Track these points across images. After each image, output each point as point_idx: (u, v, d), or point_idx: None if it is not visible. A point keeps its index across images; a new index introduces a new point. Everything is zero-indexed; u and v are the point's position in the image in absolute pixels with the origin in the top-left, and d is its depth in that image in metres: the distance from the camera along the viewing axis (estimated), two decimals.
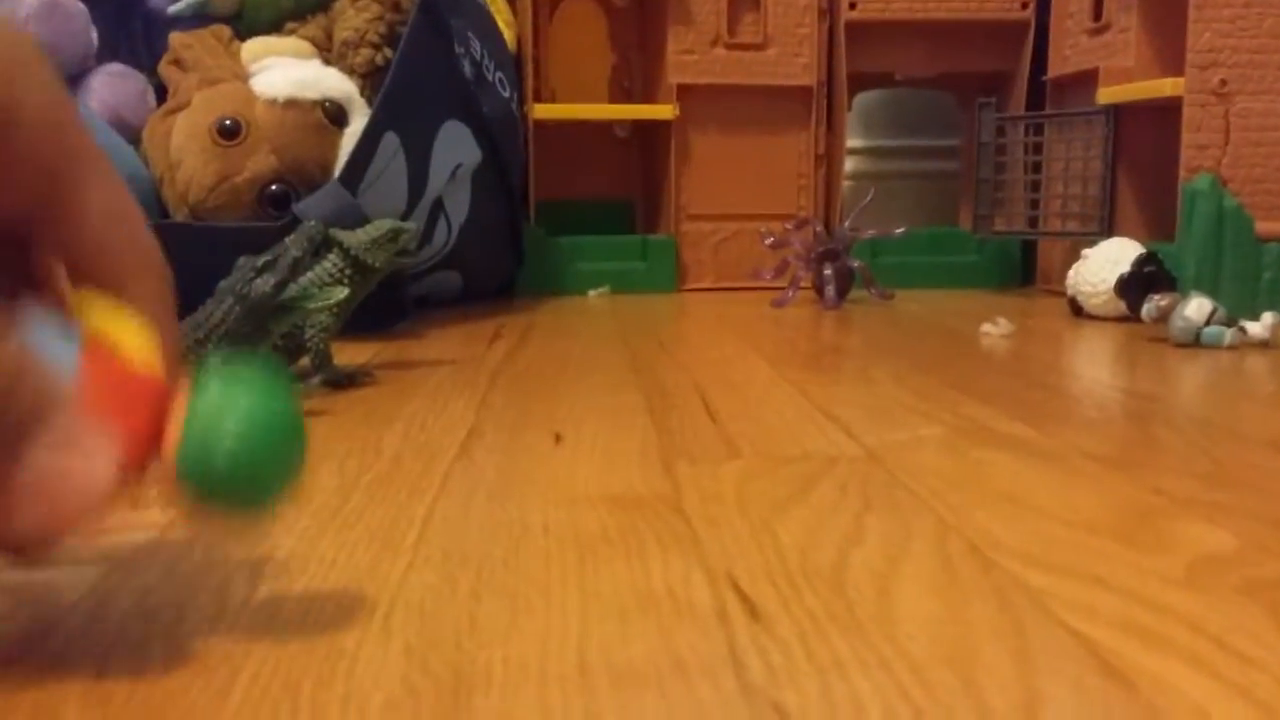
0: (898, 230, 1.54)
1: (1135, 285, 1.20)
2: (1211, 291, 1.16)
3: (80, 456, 0.26)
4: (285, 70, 1.20)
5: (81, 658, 0.34)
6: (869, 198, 1.53)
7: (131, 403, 0.30)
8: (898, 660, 0.33)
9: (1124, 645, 0.34)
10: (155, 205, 1.23)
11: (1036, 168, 1.60)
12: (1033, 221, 1.62)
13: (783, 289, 1.47)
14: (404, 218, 1.16)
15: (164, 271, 0.31)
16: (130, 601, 0.38)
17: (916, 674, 0.32)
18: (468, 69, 1.26)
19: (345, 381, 0.82)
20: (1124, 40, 1.44)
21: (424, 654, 0.33)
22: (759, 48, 1.68)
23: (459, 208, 1.30)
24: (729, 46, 1.67)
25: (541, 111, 1.64)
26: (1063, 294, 1.37)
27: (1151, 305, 1.08)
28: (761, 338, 1.14)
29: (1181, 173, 1.30)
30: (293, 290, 0.75)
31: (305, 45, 1.27)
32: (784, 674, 0.32)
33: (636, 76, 1.80)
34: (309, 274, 0.81)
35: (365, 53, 1.23)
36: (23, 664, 0.33)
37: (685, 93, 1.66)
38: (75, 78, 1.30)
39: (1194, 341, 1.05)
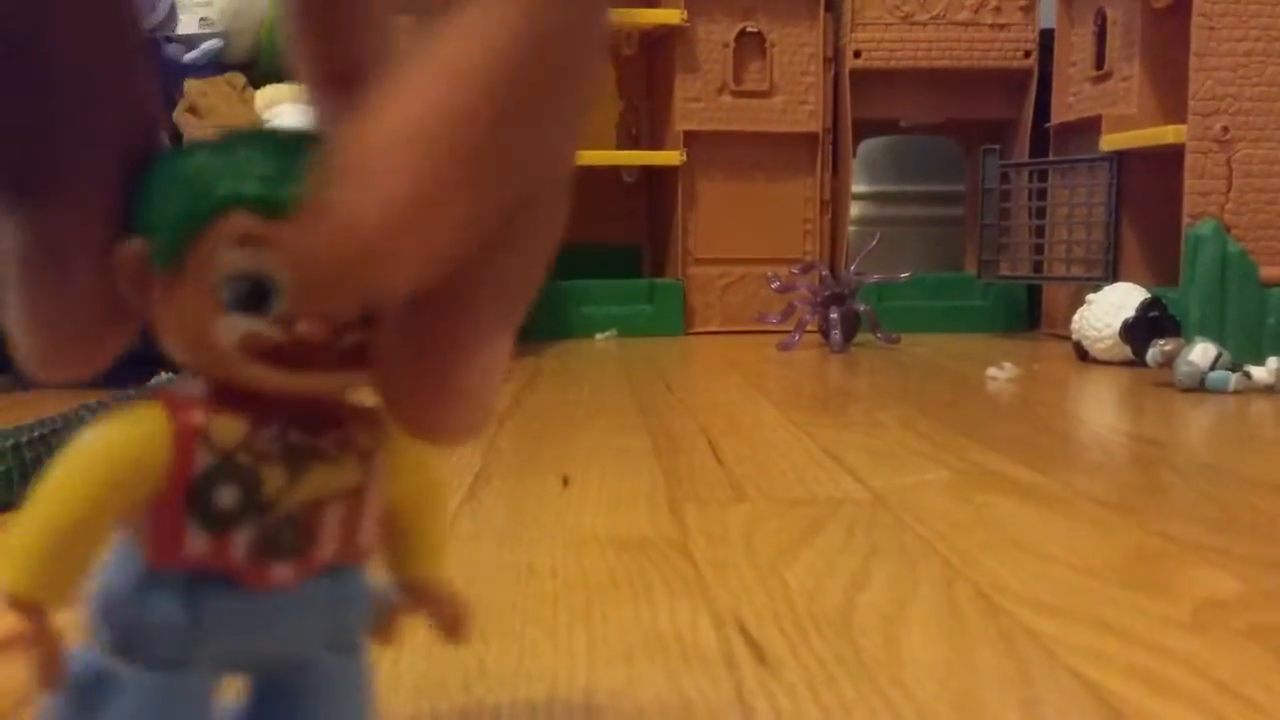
0: (903, 275, 1.55)
1: (1140, 330, 1.20)
2: (1216, 336, 1.16)
3: None
4: (298, 116, 1.21)
5: None
6: (874, 242, 1.54)
7: None
8: (905, 705, 0.33)
9: (1130, 690, 0.34)
10: None
11: (1041, 213, 1.61)
12: (1037, 266, 1.63)
13: (789, 333, 1.47)
14: None
15: None
16: None
17: (923, 718, 0.32)
18: None
19: None
20: (1126, 88, 1.45)
21: (433, 696, 0.33)
22: (765, 95, 1.70)
23: None
24: (735, 94, 1.69)
25: None
26: (1068, 338, 1.37)
27: (1156, 350, 1.09)
28: (768, 381, 1.14)
29: (1185, 218, 1.31)
30: None
31: None
32: (791, 717, 0.32)
33: (644, 123, 1.82)
34: None
35: None
36: (35, 707, 0.33)
37: (692, 139, 1.68)
38: None
39: (1199, 386, 1.05)
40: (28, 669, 0.16)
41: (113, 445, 0.16)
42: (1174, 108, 1.37)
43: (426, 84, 0.12)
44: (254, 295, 0.15)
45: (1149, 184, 1.46)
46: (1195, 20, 1.29)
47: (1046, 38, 1.68)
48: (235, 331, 0.15)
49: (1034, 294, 1.77)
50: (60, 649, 0.16)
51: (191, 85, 1.28)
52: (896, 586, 0.44)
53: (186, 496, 0.15)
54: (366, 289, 0.13)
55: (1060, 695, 0.34)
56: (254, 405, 0.16)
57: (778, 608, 0.42)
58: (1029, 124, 1.72)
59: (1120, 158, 1.46)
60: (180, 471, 0.15)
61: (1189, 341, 1.08)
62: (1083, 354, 1.32)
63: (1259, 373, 1.06)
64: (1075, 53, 1.60)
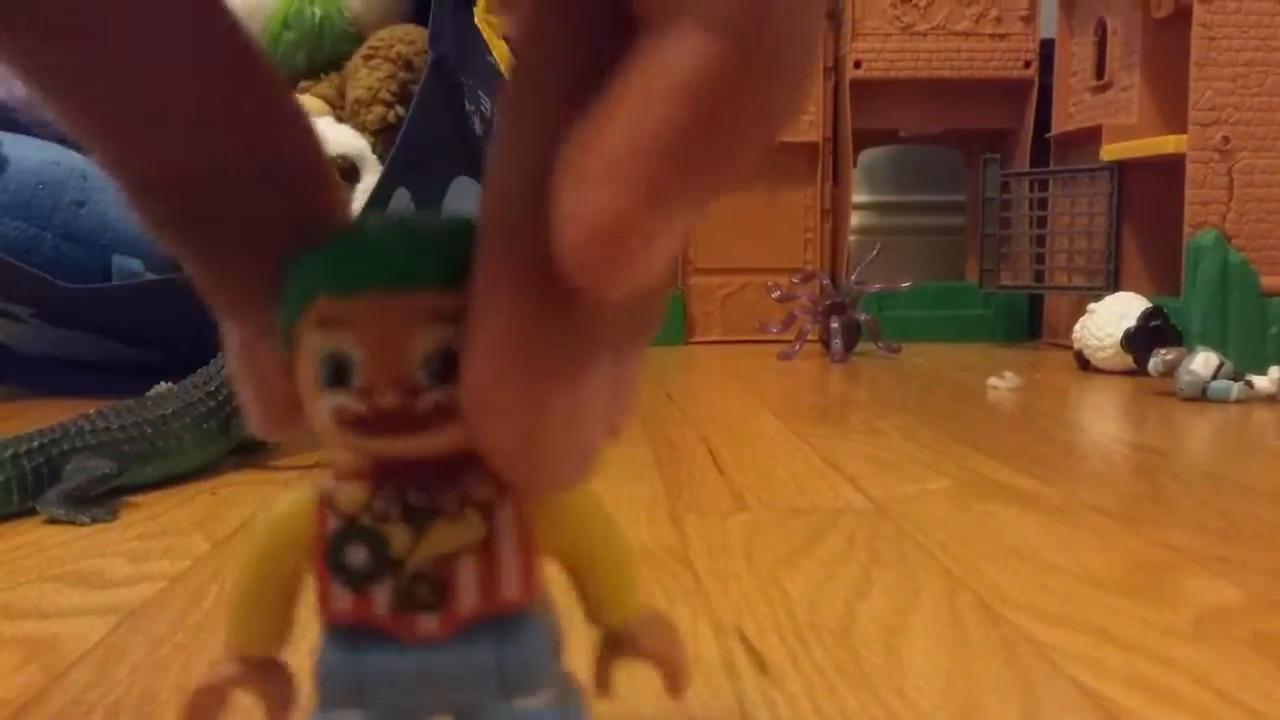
0: (904, 284, 1.55)
1: (1141, 339, 1.20)
2: (1218, 346, 1.16)
3: None
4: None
5: (91, 709, 0.34)
6: (875, 252, 1.54)
7: None
8: (906, 714, 0.33)
9: (1132, 700, 0.34)
10: (168, 259, 1.24)
11: (1041, 223, 1.61)
12: (1039, 276, 1.63)
13: (789, 342, 1.47)
14: None
15: None
16: (140, 653, 0.39)
17: None
18: (478, 126, 1.28)
19: None
20: (1127, 98, 1.46)
21: None
22: None
23: None
24: None
25: None
26: (1069, 348, 1.37)
27: (1158, 359, 1.09)
28: (768, 391, 1.14)
29: (1186, 228, 1.31)
30: None
31: (318, 103, 1.29)
32: None
33: None
34: None
35: (377, 110, 1.24)
36: (33, 715, 0.33)
37: None
38: None
39: (1201, 395, 1.05)
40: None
41: (271, 517, 0.18)
42: (1174, 117, 1.37)
43: (653, 100, 0.13)
44: (338, 372, 0.16)
45: (1150, 194, 1.46)
46: (1195, 30, 1.29)
47: (1047, 48, 1.69)
48: (328, 406, 0.16)
49: (1035, 303, 1.77)
50: (276, 690, 0.19)
51: None
52: (897, 596, 0.44)
53: (325, 558, 0.17)
54: (610, 279, 0.14)
55: (1062, 704, 0.33)
56: (374, 471, 0.17)
57: (778, 617, 0.42)
58: (1030, 134, 1.72)
59: (1121, 167, 1.46)
60: (319, 537, 0.17)
61: (1191, 351, 1.08)
62: (1084, 363, 1.32)
63: (1261, 382, 1.06)
64: (1076, 63, 1.60)
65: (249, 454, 0.75)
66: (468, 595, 0.17)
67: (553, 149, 0.15)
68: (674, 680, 0.19)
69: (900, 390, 1.19)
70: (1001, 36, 1.72)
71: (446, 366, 0.16)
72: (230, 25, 0.16)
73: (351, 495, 0.17)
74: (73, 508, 0.59)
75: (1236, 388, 1.04)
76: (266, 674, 0.19)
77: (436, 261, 0.16)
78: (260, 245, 0.17)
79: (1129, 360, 1.23)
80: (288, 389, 0.17)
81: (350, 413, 0.16)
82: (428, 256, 0.16)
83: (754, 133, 0.14)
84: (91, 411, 0.66)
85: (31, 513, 0.60)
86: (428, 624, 0.17)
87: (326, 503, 0.17)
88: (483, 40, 1.38)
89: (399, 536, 0.17)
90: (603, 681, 0.19)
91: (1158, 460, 0.78)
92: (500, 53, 1.53)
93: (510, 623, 0.18)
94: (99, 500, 0.61)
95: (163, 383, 0.73)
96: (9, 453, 0.60)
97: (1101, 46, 1.52)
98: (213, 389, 0.71)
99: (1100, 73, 1.52)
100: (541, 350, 0.15)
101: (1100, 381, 1.24)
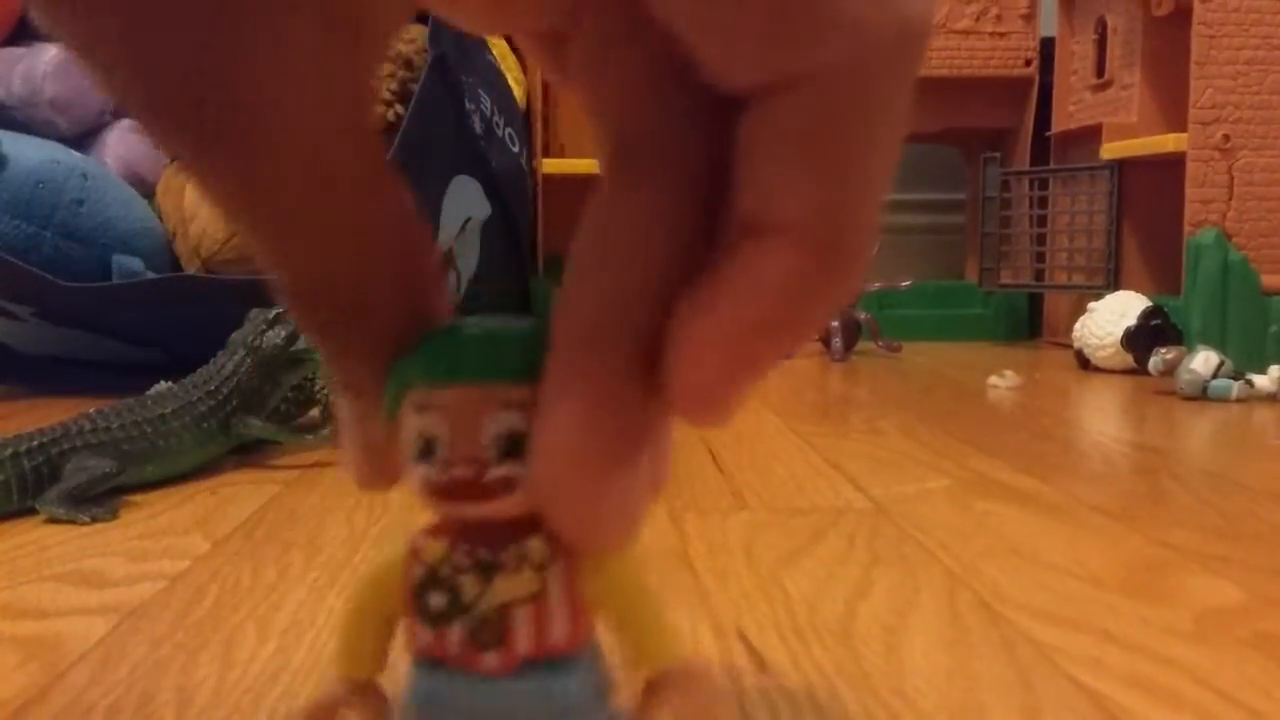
0: (904, 283, 1.55)
1: (1142, 338, 1.20)
2: (1218, 345, 1.16)
3: None
4: None
5: (91, 709, 0.34)
6: (874, 251, 1.54)
7: None
8: (906, 714, 0.33)
9: (1132, 699, 0.34)
10: (168, 258, 1.24)
11: (1041, 221, 1.61)
12: (1039, 275, 1.63)
13: None
14: None
15: None
16: (140, 652, 0.39)
17: None
18: (478, 125, 1.28)
19: None
20: (1127, 96, 1.45)
21: None
22: None
23: (468, 261, 1.31)
24: None
25: (550, 166, 1.66)
26: (1069, 347, 1.37)
27: (1158, 358, 1.09)
28: (768, 389, 1.14)
29: (1186, 227, 1.31)
30: (304, 342, 0.75)
31: None
32: None
33: None
34: None
35: (377, 109, 1.24)
36: (33, 715, 0.33)
37: None
38: (91, 133, 1.32)
39: (1201, 395, 1.05)
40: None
41: (375, 565, 0.22)
42: (1175, 116, 1.37)
43: (751, 299, 0.17)
44: (427, 447, 0.19)
45: (1150, 192, 1.46)
46: (1196, 29, 1.29)
47: (1047, 46, 1.68)
48: (418, 475, 0.20)
49: (1035, 302, 1.77)
50: (374, 707, 0.22)
51: None
52: (897, 595, 0.44)
53: (412, 602, 0.21)
54: (711, 421, 0.19)
55: (1061, 704, 0.33)
56: (456, 530, 0.21)
57: (778, 616, 0.42)
58: (1030, 132, 1.72)
59: (1121, 166, 1.46)
60: (406, 582, 0.21)
61: (1191, 350, 1.08)
62: (1084, 362, 1.32)
63: (1261, 381, 1.06)
64: (1076, 61, 1.60)
65: (249, 453, 0.75)
66: (523, 638, 0.20)
67: (627, 273, 0.18)
68: None
69: (900, 389, 1.19)
70: (1001, 35, 1.72)
71: (513, 446, 0.19)
72: (380, 158, 0.19)
73: (434, 549, 0.21)
74: (73, 507, 0.59)
75: (1237, 387, 1.04)
76: (366, 694, 0.22)
77: (509, 360, 0.19)
78: (379, 336, 0.20)
79: (1129, 359, 1.23)
80: (389, 456, 0.20)
81: (431, 482, 0.19)
82: (502, 356, 0.19)
83: (823, 313, 0.18)
84: (91, 411, 0.66)
85: (31, 512, 0.60)
86: (490, 660, 0.20)
87: (415, 554, 0.21)
88: (483, 40, 1.38)
89: (469, 585, 0.20)
90: None
91: (1158, 459, 0.78)
92: (500, 51, 1.52)
93: (560, 664, 0.21)
94: (99, 499, 0.61)
95: (163, 382, 0.73)
96: (9, 452, 0.60)
97: (1102, 45, 1.52)
98: (213, 388, 0.71)
99: (1100, 71, 1.52)
100: (602, 444, 0.18)
101: (1100, 381, 1.24)
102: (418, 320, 0.20)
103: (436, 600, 0.20)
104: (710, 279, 0.18)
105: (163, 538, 0.55)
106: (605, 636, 0.22)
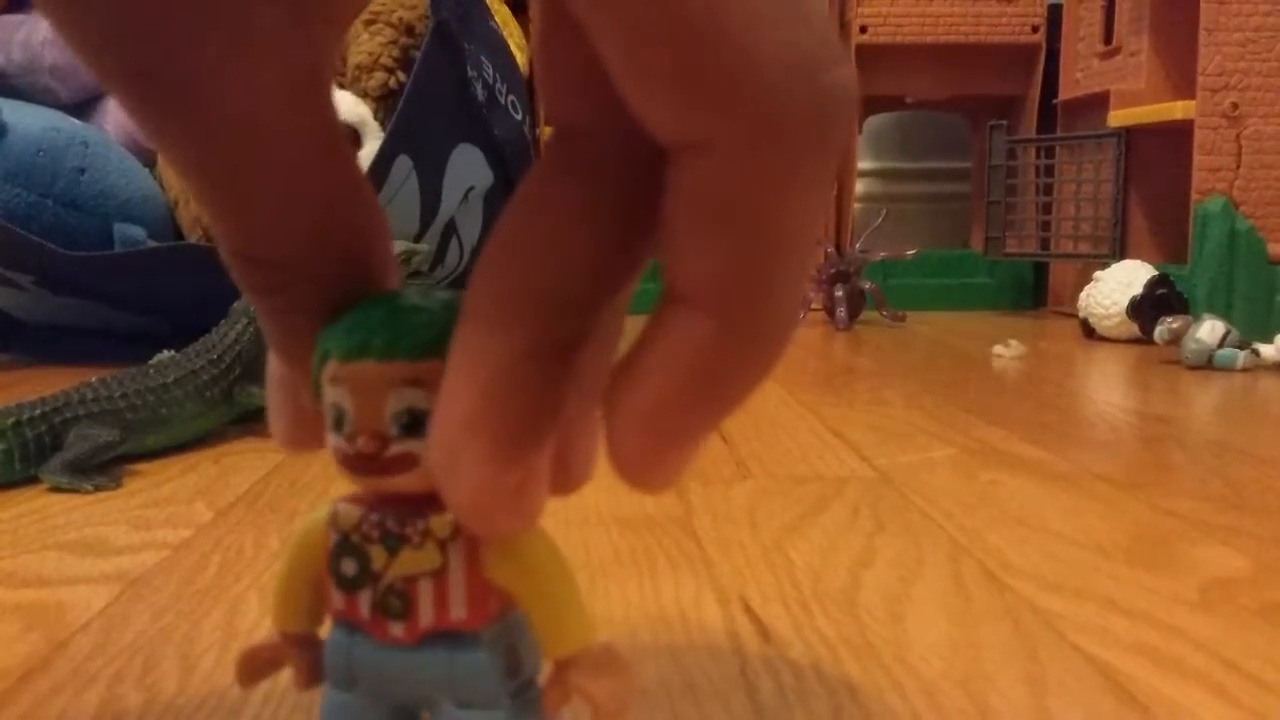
0: (909, 252, 1.54)
1: (1147, 307, 1.20)
2: (1224, 314, 1.16)
3: None
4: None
5: (94, 678, 0.34)
6: (880, 220, 1.53)
7: None
8: (910, 682, 0.33)
9: (1137, 668, 0.34)
10: (170, 227, 1.24)
11: (1048, 190, 1.60)
12: (1044, 244, 1.62)
13: None
14: (417, 240, 1.16)
15: None
16: (143, 621, 0.39)
17: (929, 697, 0.32)
18: (480, 92, 1.27)
19: None
20: (1135, 63, 1.44)
21: None
22: None
23: (471, 230, 1.30)
24: None
25: None
26: (1074, 316, 1.37)
27: (1164, 328, 1.08)
28: None
29: (1193, 195, 1.30)
30: None
31: None
32: (795, 696, 0.32)
33: None
34: None
35: (379, 76, 1.23)
36: (36, 684, 0.33)
37: None
38: (91, 101, 1.31)
39: (1206, 364, 1.04)
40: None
41: (304, 524, 0.22)
42: (1183, 83, 1.36)
43: (668, 372, 0.17)
44: (338, 420, 0.20)
45: (1157, 160, 1.45)
46: None
47: (1054, 12, 1.67)
48: (331, 444, 0.20)
49: (1040, 271, 1.76)
50: (304, 660, 0.22)
51: None
52: (902, 564, 0.44)
53: (327, 565, 0.21)
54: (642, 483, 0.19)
55: (1066, 673, 0.33)
56: (370, 501, 0.21)
57: (782, 586, 0.42)
58: (1036, 99, 1.70)
59: (1128, 134, 1.45)
60: (325, 546, 0.21)
61: (1197, 319, 1.08)
62: (1089, 331, 1.32)
63: (1267, 350, 1.05)
64: (1083, 27, 1.59)
65: (251, 422, 0.75)
66: (426, 612, 0.21)
67: (543, 258, 0.18)
68: (601, 711, 0.21)
69: (905, 358, 1.19)
70: (1009, 1, 1.70)
71: (414, 423, 0.20)
72: (334, 129, 0.19)
73: (348, 516, 0.21)
74: (75, 476, 0.59)
75: (1242, 356, 1.04)
76: (302, 645, 0.22)
77: (415, 336, 0.19)
78: (315, 304, 0.20)
79: (1134, 328, 1.23)
80: (315, 420, 0.21)
81: (339, 452, 0.20)
82: (409, 333, 0.20)
83: (745, 388, 0.18)
84: (94, 379, 0.66)
85: (34, 481, 0.60)
86: (396, 629, 0.21)
87: (333, 519, 0.21)
88: (485, 5, 1.37)
89: (377, 555, 0.21)
90: (552, 704, 0.22)
91: (1163, 429, 0.77)
92: (503, 17, 1.51)
93: (462, 640, 0.21)
94: (102, 468, 0.61)
95: (165, 351, 0.73)
96: (11, 421, 0.60)
97: (1110, 11, 1.51)
98: (215, 357, 0.71)
99: (1108, 38, 1.51)
100: (497, 423, 0.18)
101: (1106, 350, 1.24)
102: (356, 291, 0.20)
103: (348, 566, 0.21)
104: (636, 346, 0.18)
105: (165, 506, 0.55)
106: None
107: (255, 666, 0.23)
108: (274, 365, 0.22)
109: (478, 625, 0.21)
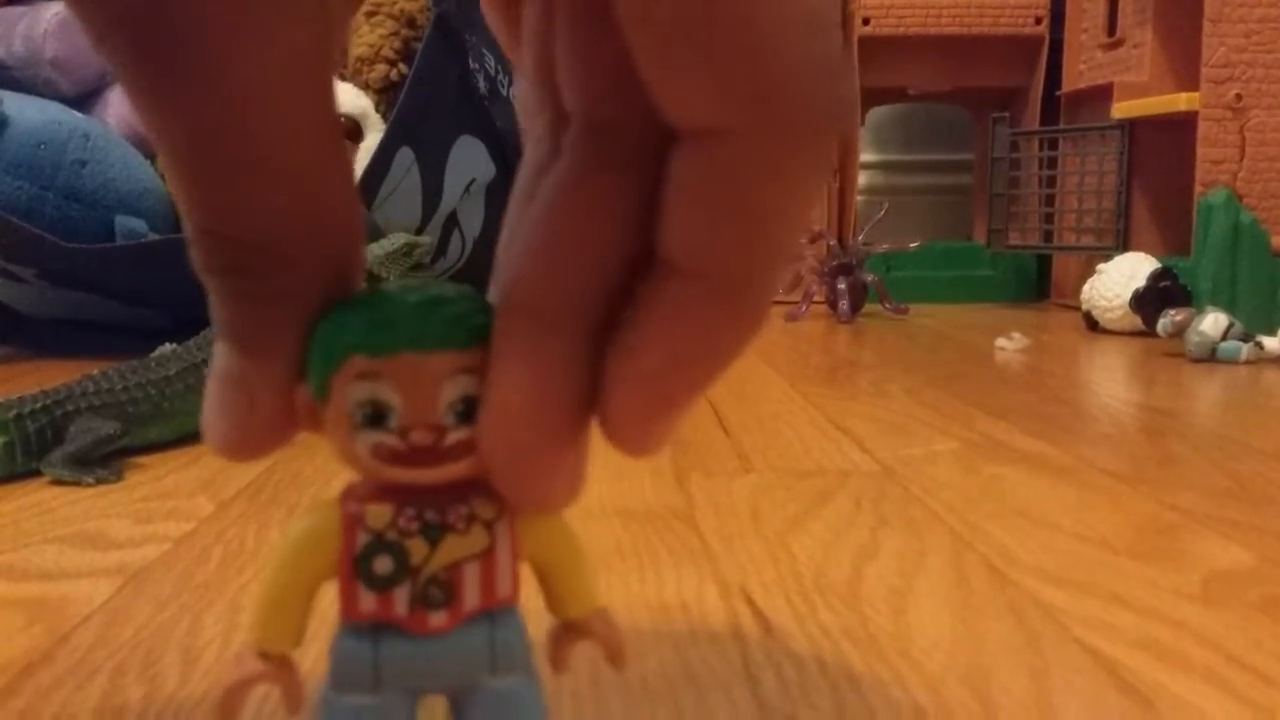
0: (911, 244, 1.54)
1: (1151, 300, 1.20)
2: (1228, 306, 1.16)
3: None
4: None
5: (96, 671, 0.34)
6: (882, 212, 1.53)
7: None
8: (912, 676, 0.33)
9: (1141, 662, 0.34)
10: (172, 219, 1.24)
11: (1051, 182, 1.60)
12: (1047, 236, 1.62)
13: (796, 303, 1.47)
14: (418, 232, 1.16)
15: None
16: (145, 615, 0.38)
17: (931, 690, 0.32)
18: (482, 84, 1.27)
19: None
20: (1138, 55, 1.44)
21: None
22: None
23: (473, 222, 1.30)
24: None
25: None
26: (1078, 308, 1.37)
27: (1167, 320, 1.08)
28: (775, 351, 1.14)
29: (1197, 187, 1.30)
30: None
31: None
32: (798, 689, 0.32)
33: None
34: None
35: (380, 68, 1.23)
36: (38, 677, 0.33)
37: None
38: (93, 93, 1.31)
39: (1210, 356, 1.04)
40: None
41: (299, 532, 0.22)
42: (1186, 75, 1.35)
43: (667, 341, 0.19)
44: (376, 415, 0.20)
45: (1160, 152, 1.45)
46: None
47: (1058, 4, 1.67)
48: (368, 442, 0.20)
49: (1043, 264, 1.76)
50: (293, 682, 0.22)
51: None
52: (904, 558, 0.44)
53: (354, 568, 0.21)
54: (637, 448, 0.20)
55: (1069, 666, 0.33)
56: (397, 494, 0.21)
57: (785, 579, 0.42)
58: (1039, 91, 1.70)
59: (1132, 126, 1.45)
60: (347, 549, 0.21)
61: (1200, 311, 1.08)
62: (1093, 324, 1.31)
63: (1270, 343, 1.05)
64: (1087, 19, 1.58)
65: None
66: (471, 595, 0.21)
67: (582, 254, 0.19)
68: (615, 657, 0.23)
69: (907, 351, 1.19)
70: None
71: (468, 410, 0.20)
72: (331, 118, 0.19)
73: (379, 515, 0.21)
74: (77, 469, 0.59)
75: (1246, 349, 1.04)
76: (283, 668, 0.22)
77: (459, 325, 0.20)
78: (297, 295, 0.19)
79: (1138, 321, 1.23)
80: (271, 428, 0.20)
81: (388, 448, 0.20)
82: (452, 321, 0.20)
83: (730, 357, 0.19)
84: (95, 372, 0.66)
85: (36, 474, 0.60)
86: (437, 619, 0.21)
87: (357, 521, 0.21)
88: None
89: (416, 549, 0.21)
90: (561, 661, 0.23)
91: (1166, 422, 0.77)
92: None
93: (501, 613, 0.22)
94: (103, 461, 0.61)
95: (167, 343, 0.73)
96: (12, 414, 0.60)
97: (1113, 2, 1.50)
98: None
99: (1112, 29, 1.50)
100: (554, 408, 0.19)
101: (1109, 342, 1.23)
102: (338, 287, 0.20)
103: (382, 565, 0.21)
104: (632, 318, 0.19)
105: (167, 500, 0.55)
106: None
107: (243, 702, 0.22)
108: (225, 360, 0.20)
109: (517, 597, 0.22)
